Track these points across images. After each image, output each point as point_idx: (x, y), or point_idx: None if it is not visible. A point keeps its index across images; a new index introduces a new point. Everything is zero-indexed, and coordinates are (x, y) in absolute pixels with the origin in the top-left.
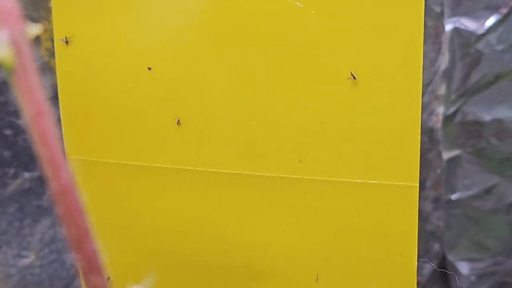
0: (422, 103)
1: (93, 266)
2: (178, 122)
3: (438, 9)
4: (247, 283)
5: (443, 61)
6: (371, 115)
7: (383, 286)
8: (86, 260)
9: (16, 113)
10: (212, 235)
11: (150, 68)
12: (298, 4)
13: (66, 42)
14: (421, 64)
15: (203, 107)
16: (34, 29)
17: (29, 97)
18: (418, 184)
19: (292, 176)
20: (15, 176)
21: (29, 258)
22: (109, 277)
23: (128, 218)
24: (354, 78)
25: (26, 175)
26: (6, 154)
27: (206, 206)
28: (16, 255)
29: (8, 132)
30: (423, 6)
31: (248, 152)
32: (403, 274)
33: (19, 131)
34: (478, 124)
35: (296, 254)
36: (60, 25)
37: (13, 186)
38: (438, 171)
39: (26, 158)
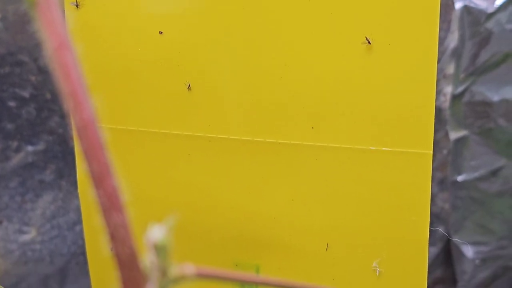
0: None
1: (114, 203)
2: (189, 88)
3: None
4: (256, 252)
5: (452, 40)
6: (386, 81)
7: (394, 254)
8: (107, 196)
9: (20, 85)
10: (221, 202)
11: (161, 32)
12: None
13: (77, 6)
14: (438, 30)
15: (214, 72)
16: None
17: (51, 29)
18: (432, 152)
19: (304, 143)
20: (18, 150)
21: (30, 234)
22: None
23: (136, 185)
24: (369, 43)
25: (29, 148)
26: (10, 126)
27: (216, 173)
28: (17, 230)
29: (12, 103)
30: None
31: (259, 118)
32: (415, 243)
33: (23, 103)
34: (486, 104)
35: (306, 223)
36: None
37: (16, 159)
38: (445, 152)
39: (29, 131)
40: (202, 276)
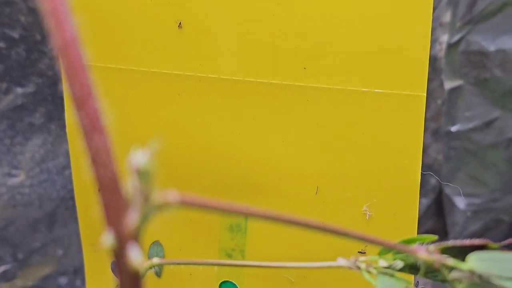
0: None
1: (95, 125)
2: (180, 26)
3: None
4: (244, 195)
5: None
6: (379, 20)
7: (385, 198)
8: (89, 118)
9: (10, 25)
10: (210, 144)
11: None
12: None
13: None
14: None
15: (205, 11)
16: None
17: None
18: (425, 94)
19: (295, 83)
20: (7, 91)
21: (19, 177)
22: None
23: (124, 125)
24: None
25: (19, 90)
26: None
27: (206, 113)
28: (6, 173)
29: (1, 44)
30: None
31: (251, 58)
32: (406, 187)
33: (12, 44)
34: (482, 54)
35: (296, 165)
36: None
37: (5, 101)
38: (439, 101)
39: (19, 73)
40: (186, 204)
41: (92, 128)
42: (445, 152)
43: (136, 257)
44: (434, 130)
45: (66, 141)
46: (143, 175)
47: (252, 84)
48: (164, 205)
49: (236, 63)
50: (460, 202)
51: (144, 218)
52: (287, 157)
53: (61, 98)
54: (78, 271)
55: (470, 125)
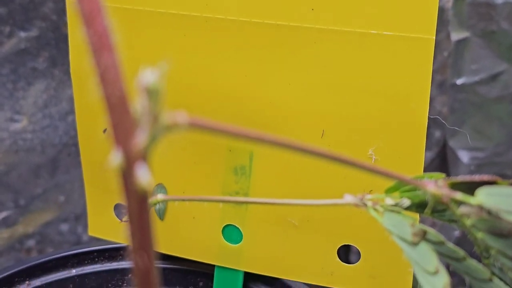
0: None
1: (104, 43)
2: None
3: None
4: (250, 137)
5: None
6: None
7: (391, 142)
8: (97, 36)
9: None
10: (215, 85)
11: None
12: None
13: None
14: None
15: None
16: None
17: None
18: (434, 37)
19: (303, 25)
20: (10, 35)
21: (21, 123)
22: (105, 129)
23: (129, 67)
24: None
25: (22, 34)
26: (2, 11)
27: (211, 55)
28: (8, 118)
29: None
30: None
31: None
32: (412, 131)
33: None
34: (490, 6)
35: (302, 108)
36: None
37: (8, 45)
38: (445, 54)
39: (22, 17)
40: (195, 126)
41: (101, 46)
42: (450, 105)
43: (144, 177)
44: (440, 83)
45: (69, 86)
46: (152, 94)
47: (259, 25)
48: (173, 126)
49: (243, 3)
50: (464, 156)
51: (153, 139)
52: (293, 100)
53: (65, 43)
54: (79, 218)
55: (476, 78)
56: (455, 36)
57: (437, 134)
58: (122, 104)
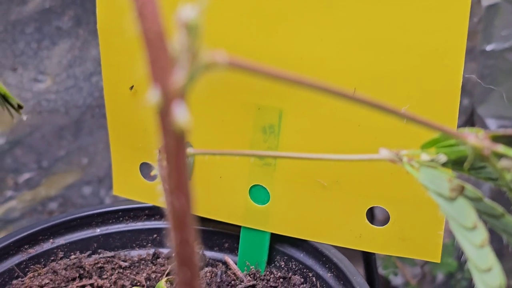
0: None
1: None
2: None
3: None
4: (279, 95)
5: None
6: None
7: (424, 101)
8: None
9: None
10: (245, 41)
11: None
12: None
13: None
14: None
15: None
16: None
17: None
18: None
19: None
20: None
21: (45, 83)
22: (132, 86)
23: (168, 2)
24: None
25: None
26: None
27: (241, 10)
28: (32, 79)
29: None
30: None
31: None
32: (446, 89)
33: None
34: None
35: (334, 65)
36: None
37: (32, 4)
38: (475, 19)
39: None
40: (234, 66)
41: None
42: (480, 71)
43: (182, 116)
44: (469, 49)
45: (94, 46)
46: (191, 30)
47: None
48: (212, 64)
49: None
50: (492, 124)
51: (191, 77)
52: (325, 56)
53: (90, 2)
54: (102, 181)
55: (506, 45)
56: (486, 1)
57: (465, 102)
58: (160, 40)
